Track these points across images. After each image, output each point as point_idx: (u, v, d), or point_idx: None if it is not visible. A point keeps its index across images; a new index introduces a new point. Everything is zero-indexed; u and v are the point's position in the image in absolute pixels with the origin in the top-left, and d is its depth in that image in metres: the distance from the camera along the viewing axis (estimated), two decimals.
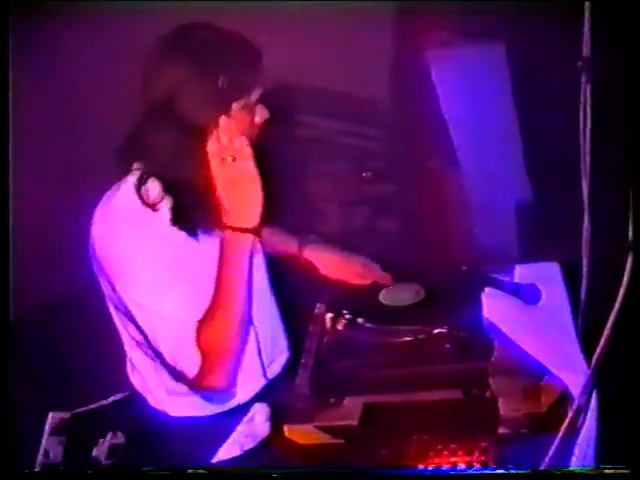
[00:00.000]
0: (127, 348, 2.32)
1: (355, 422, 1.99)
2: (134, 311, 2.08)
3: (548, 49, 2.84)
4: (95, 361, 3.00)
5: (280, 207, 2.54)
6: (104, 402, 2.46)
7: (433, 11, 3.27)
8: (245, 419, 2.19)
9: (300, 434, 2.03)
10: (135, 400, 2.40)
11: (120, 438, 2.28)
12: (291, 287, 2.57)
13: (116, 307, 2.20)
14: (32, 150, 2.92)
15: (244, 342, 2.15)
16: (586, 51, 1.93)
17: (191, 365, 2.04)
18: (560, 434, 1.61)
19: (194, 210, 2.07)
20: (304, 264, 2.58)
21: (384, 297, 2.42)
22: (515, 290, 2.26)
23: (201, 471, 1.78)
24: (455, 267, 2.54)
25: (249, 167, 1.97)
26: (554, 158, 2.91)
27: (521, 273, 2.38)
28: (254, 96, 2.08)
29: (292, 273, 2.61)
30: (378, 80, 3.79)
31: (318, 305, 2.46)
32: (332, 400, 2.06)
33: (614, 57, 1.94)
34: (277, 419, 2.13)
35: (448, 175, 3.49)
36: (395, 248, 2.85)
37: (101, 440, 2.26)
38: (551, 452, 1.60)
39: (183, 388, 2.21)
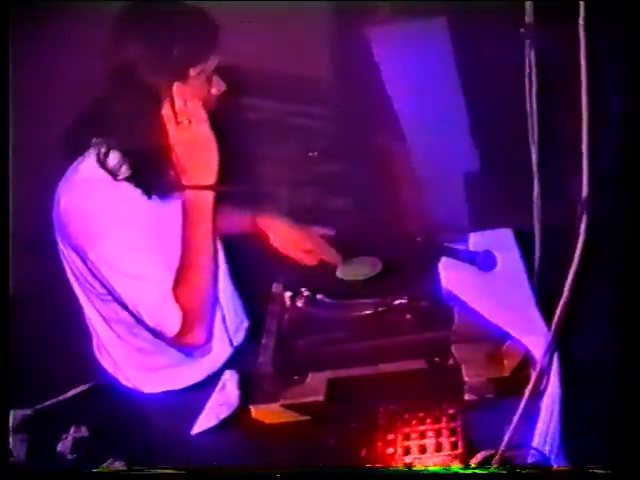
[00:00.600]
0: (95, 329, 2.34)
1: (321, 398, 2.00)
2: (109, 278, 2.09)
3: (489, 19, 2.86)
4: (54, 354, 2.98)
5: (230, 190, 2.55)
6: (65, 396, 2.44)
7: None
8: (217, 388, 2.22)
9: (267, 414, 2.04)
10: (98, 392, 2.39)
11: (84, 432, 2.27)
12: (245, 266, 2.57)
13: (84, 283, 2.22)
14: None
15: (217, 295, 2.19)
16: (529, 18, 1.95)
17: (172, 323, 2.05)
18: (525, 397, 1.62)
19: (154, 174, 2.11)
20: (257, 235, 2.60)
21: (342, 272, 2.42)
22: (471, 258, 2.27)
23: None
24: (410, 239, 2.55)
25: (204, 128, 2.03)
26: (501, 127, 2.94)
27: (475, 241, 2.40)
28: (210, 64, 2.10)
29: (246, 253, 2.62)
30: (321, 59, 3.78)
31: (275, 284, 2.46)
32: (296, 377, 2.07)
33: (555, 23, 1.97)
34: (246, 386, 2.16)
35: (395, 150, 3.51)
36: (347, 226, 2.85)
37: (64, 435, 2.25)
38: (517, 415, 1.62)
39: (156, 362, 2.28)
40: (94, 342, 2.40)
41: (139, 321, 2.12)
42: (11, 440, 2.27)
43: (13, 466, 2.20)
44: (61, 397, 2.45)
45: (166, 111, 2.02)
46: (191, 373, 2.33)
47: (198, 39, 2.07)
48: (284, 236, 2.59)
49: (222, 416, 2.13)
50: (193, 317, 2.07)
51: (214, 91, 2.14)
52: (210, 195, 2.06)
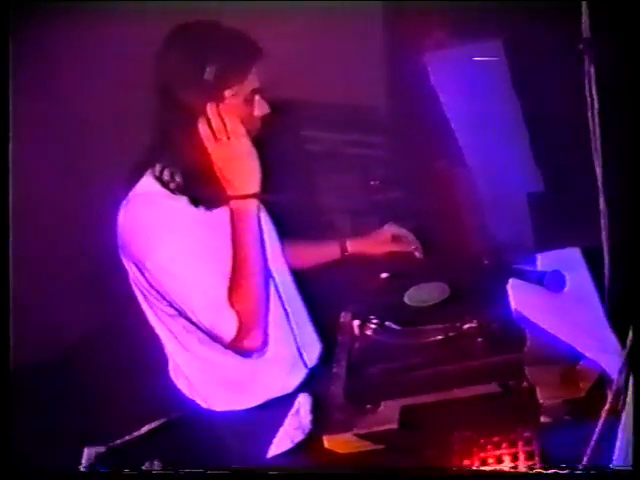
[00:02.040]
0: (168, 349, 2.41)
1: (394, 426, 1.98)
2: (166, 285, 2.19)
3: (546, 38, 2.84)
4: (124, 392, 3.01)
5: (293, 223, 2.58)
6: (139, 432, 2.45)
7: (425, 12, 3.28)
8: (292, 411, 2.25)
9: (340, 444, 2.02)
10: (171, 427, 2.41)
11: (157, 466, 2.28)
12: (316, 293, 2.60)
13: (148, 297, 2.31)
14: (32, 150, 2.93)
15: (269, 297, 2.26)
16: (586, 32, 1.93)
17: (229, 327, 2.15)
18: (602, 417, 1.59)
19: (203, 186, 2.22)
20: (349, 260, 2.74)
21: (409, 298, 2.41)
22: (539, 278, 2.24)
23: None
24: (476, 262, 2.53)
25: (243, 143, 2.16)
26: (563, 145, 2.91)
27: (543, 261, 2.38)
28: (248, 87, 2.20)
29: (315, 283, 2.65)
30: (377, 87, 3.80)
31: (343, 314, 2.46)
32: (369, 406, 2.05)
33: (614, 37, 1.95)
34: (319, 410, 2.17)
35: (456, 174, 3.49)
36: (412, 252, 2.84)
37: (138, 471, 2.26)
38: (595, 436, 1.59)
39: (229, 377, 2.36)
40: (170, 365, 2.44)
41: (197, 327, 2.20)
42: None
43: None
44: (135, 434, 2.46)
45: (203, 129, 2.14)
46: (264, 390, 2.38)
47: (232, 61, 2.17)
48: (376, 244, 2.73)
49: (297, 440, 2.16)
50: (248, 321, 2.16)
51: (257, 113, 2.23)
52: (254, 203, 2.18)
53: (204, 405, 2.41)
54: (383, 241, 2.74)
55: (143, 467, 2.26)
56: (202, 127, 2.14)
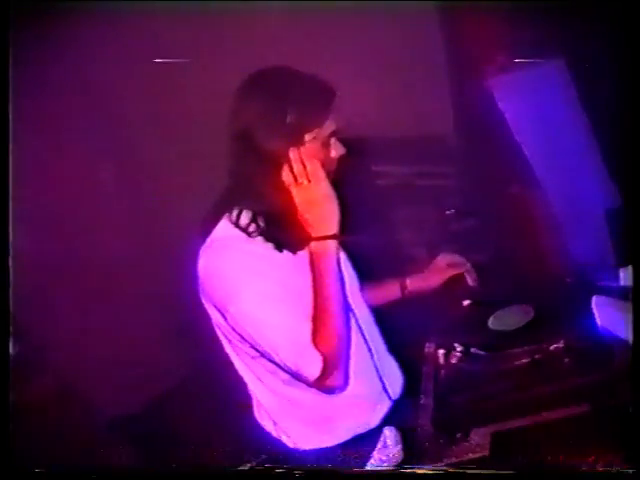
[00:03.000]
0: (252, 389, 2.39)
1: (486, 453, 1.96)
2: (250, 330, 2.18)
3: (607, 50, 2.82)
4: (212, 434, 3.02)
5: (372, 259, 2.59)
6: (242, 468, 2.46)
7: (486, 37, 3.29)
8: (379, 445, 2.23)
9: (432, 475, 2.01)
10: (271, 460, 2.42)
11: None
12: (396, 327, 2.59)
13: (232, 340, 2.30)
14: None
15: (350, 336, 2.24)
16: None
17: (314, 368, 2.12)
18: None
19: (283, 230, 2.21)
20: (409, 297, 2.68)
21: (493, 323, 2.39)
22: (624, 293, 2.21)
23: None
24: (559, 282, 2.50)
25: (324, 186, 2.16)
26: (635, 156, 2.87)
27: (626, 276, 2.34)
28: (326, 129, 2.20)
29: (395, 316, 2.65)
30: (444, 117, 3.80)
31: (427, 344, 2.45)
32: (459, 435, 2.04)
33: None
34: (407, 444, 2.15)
35: (531, 197, 3.46)
36: (493, 278, 2.81)
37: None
38: None
39: (312, 415, 2.33)
40: (254, 405, 2.45)
41: (281, 368, 2.18)
42: None
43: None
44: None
45: (287, 174, 2.15)
46: (350, 426, 2.35)
47: (312, 106, 2.18)
48: (434, 278, 2.67)
49: None
50: (332, 361, 2.13)
51: (333, 154, 2.23)
52: (334, 244, 2.17)
53: (290, 445, 2.40)
54: (438, 270, 2.69)
55: None
56: (285, 172, 2.16)
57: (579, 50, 3.06)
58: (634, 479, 1.71)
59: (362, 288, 2.52)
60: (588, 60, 3.06)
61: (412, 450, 2.17)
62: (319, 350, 2.12)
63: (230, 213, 2.24)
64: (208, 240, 2.25)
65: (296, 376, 2.18)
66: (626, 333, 2.03)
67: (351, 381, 2.24)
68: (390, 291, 2.70)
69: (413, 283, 2.69)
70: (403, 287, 2.69)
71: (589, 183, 3.24)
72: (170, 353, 3.85)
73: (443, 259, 2.71)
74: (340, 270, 2.20)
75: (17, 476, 1.95)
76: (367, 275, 2.61)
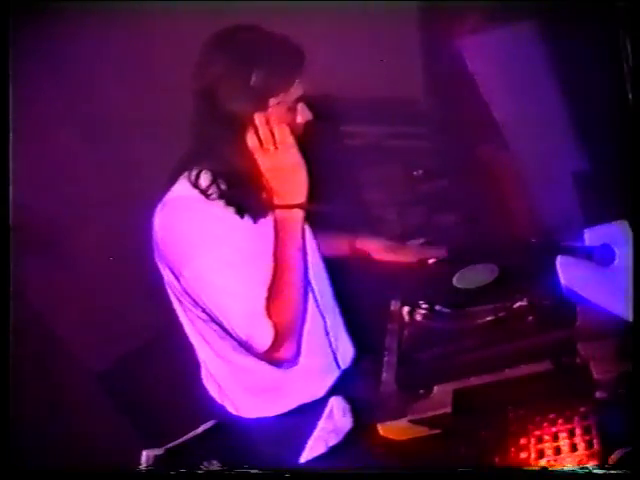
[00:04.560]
0: (200, 354, 2.39)
1: (448, 410, 1.97)
2: (203, 294, 2.14)
3: (579, 13, 2.81)
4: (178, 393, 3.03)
5: (337, 217, 2.57)
6: (194, 433, 2.46)
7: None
8: (324, 414, 2.23)
9: (395, 431, 2.02)
10: (224, 425, 2.41)
11: (215, 465, 2.29)
12: (352, 289, 2.59)
13: (183, 303, 2.27)
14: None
15: (306, 309, 2.22)
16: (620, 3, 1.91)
17: (264, 338, 2.09)
18: None
19: (246, 194, 2.19)
20: (357, 255, 2.69)
21: (458, 281, 2.39)
22: (588, 254, 2.22)
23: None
24: (524, 242, 2.51)
25: (292, 154, 2.11)
26: (604, 120, 2.87)
27: (591, 237, 2.35)
28: (292, 94, 2.15)
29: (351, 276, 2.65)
30: (415, 78, 3.78)
31: (393, 302, 2.45)
32: (421, 392, 2.05)
33: None
34: (356, 413, 2.15)
35: (500, 159, 3.46)
36: (460, 237, 2.82)
37: (198, 471, 2.28)
38: None
39: (260, 384, 2.31)
40: (202, 371, 2.43)
41: (230, 336, 2.15)
42: None
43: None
44: (190, 435, 2.47)
45: (251, 139, 2.09)
46: (296, 397, 2.34)
47: (279, 69, 2.12)
48: (384, 249, 2.68)
49: (331, 443, 2.14)
50: (284, 332, 2.11)
51: (299, 119, 2.19)
52: (300, 214, 2.13)
53: (233, 412, 2.39)
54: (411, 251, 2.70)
55: (202, 466, 2.27)
56: (250, 136, 2.10)
57: (551, 12, 3.05)
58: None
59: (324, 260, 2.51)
60: (560, 22, 3.05)
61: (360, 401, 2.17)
62: (272, 320, 2.09)
63: (189, 173, 2.20)
64: (165, 199, 2.21)
65: (246, 346, 2.15)
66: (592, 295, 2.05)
67: (302, 355, 2.22)
68: (339, 246, 2.71)
69: (363, 244, 2.70)
70: (351, 245, 2.71)
71: (557, 145, 3.24)
72: (136, 312, 3.84)
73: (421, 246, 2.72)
74: (304, 240, 2.16)
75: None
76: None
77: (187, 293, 2.19)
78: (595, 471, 1.66)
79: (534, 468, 1.72)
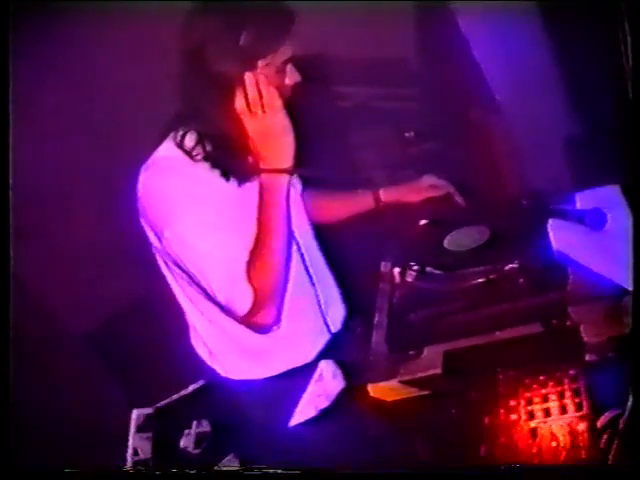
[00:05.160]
0: (189, 317, 2.40)
1: (439, 371, 1.98)
2: (183, 256, 2.14)
3: None
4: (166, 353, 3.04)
5: (329, 177, 2.57)
6: (184, 392, 2.47)
7: None
8: (314, 378, 2.24)
9: (385, 391, 2.03)
10: (212, 388, 2.42)
11: (206, 426, 2.30)
12: (345, 254, 2.59)
13: (170, 266, 2.27)
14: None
15: (288, 275, 2.21)
16: None
17: (244, 302, 2.09)
18: None
19: (232, 157, 2.18)
20: (383, 209, 2.69)
21: (449, 243, 2.39)
22: (580, 217, 2.23)
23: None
24: (515, 204, 2.51)
25: (279, 117, 2.07)
26: (597, 85, 2.87)
27: (583, 200, 2.36)
28: (281, 55, 2.12)
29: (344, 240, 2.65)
30: (405, 39, 3.76)
31: (383, 263, 2.46)
32: (412, 353, 2.06)
33: None
34: (346, 376, 2.16)
35: (491, 122, 3.46)
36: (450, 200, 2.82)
37: (187, 431, 2.29)
38: None
39: (249, 346, 2.32)
40: (191, 332, 2.43)
41: (210, 298, 2.16)
42: (136, 439, 2.32)
43: (138, 463, 2.25)
44: (180, 394, 2.48)
45: (239, 101, 2.06)
46: (285, 360, 2.36)
47: (266, 31, 2.09)
48: (412, 192, 2.69)
49: (321, 407, 2.15)
50: (264, 297, 2.11)
51: (288, 81, 2.16)
52: (285, 178, 2.10)
53: (222, 374, 2.40)
54: (419, 189, 2.68)
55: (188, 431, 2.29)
56: (238, 98, 2.06)
57: None
58: None
59: (331, 198, 2.54)
60: None
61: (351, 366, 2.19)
62: (252, 285, 2.08)
63: (175, 134, 2.19)
64: (149, 159, 2.21)
65: (226, 309, 2.15)
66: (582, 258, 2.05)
67: (286, 318, 2.22)
68: (363, 202, 2.70)
69: (387, 195, 2.68)
70: (377, 199, 2.68)
71: (550, 109, 3.24)
72: (125, 273, 3.84)
73: (427, 179, 2.69)
74: (288, 205, 2.14)
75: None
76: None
77: (169, 255, 2.19)
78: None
79: (533, 466, 1.72)
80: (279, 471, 1.73)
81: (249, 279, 2.08)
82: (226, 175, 2.17)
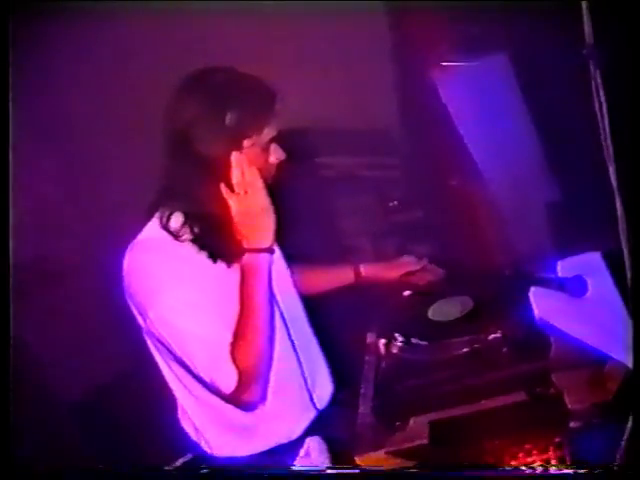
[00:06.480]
0: (175, 393, 2.36)
1: (425, 441, 1.98)
2: (167, 336, 2.14)
3: (550, 46, 2.85)
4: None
5: (313, 248, 2.59)
6: (169, 468, 2.45)
7: (430, 28, 3.31)
8: (301, 454, 2.23)
9: (372, 462, 2.02)
10: (198, 460, 2.41)
11: None
12: (330, 327, 2.60)
13: (155, 343, 2.26)
14: (32, 151, 2.95)
15: (272, 354, 2.20)
16: (589, 38, 1.95)
17: (228, 382, 2.09)
18: (631, 418, 1.59)
19: (215, 238, 2.18)
20: (364, 283, 2.72)
21: (433, 314, 2.41)
22: (561, 285, 2.25)
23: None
24: (498, 274, 2.53)
25: (261, 198, 2.11)
26: (576, 151, 2.91)
27: (564, 268, 2.38)
28: (266, 135, 2.15)
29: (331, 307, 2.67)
30: (386, 109, 3.82)
31: (369, 334, 2.47)
32: (398, 423, 2.06)
33: (617, 40, 1.95)
34: (332, 452, 2.15)
35: (473, 190, 3.49)
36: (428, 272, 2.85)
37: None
38: (625, 437, 1.59)
39: (235, 423, 2.29)
40: (178, 409, 2.42)
41: (195, 376, 2.16)
42: None
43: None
44: (166, 469, 2.45)
45: (224, 182, 2.10)
46: (270, 437, 2.33)
47: (251, 112, 2.12)
48: (393, 269, 2.71)
49: None
50: (249, 377, 2.10)
51: (272, 160, 2.19)
52: (266, 257, 2.14)
53: (208, 450, 2.37)
54: (398, 266, 2.72)
55: None
56: (223, 180, 2.10)
57: (523, 44, 3.09)
58: None
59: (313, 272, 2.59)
60: (532, 54, 3.09)
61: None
62: (236, 365, 2.08)
63: (161, 214, 2.20)
64: (134, 240, 2.22)
65: (211, 387, 2.15)
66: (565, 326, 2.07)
67: (271, 395, 2.21)
68: (343, 276, 2.73)
69: (367, 270, 2.71)
70: (357, 273, 2.71)
71: (530, 176, 3.28)
72: (113, 346, 3.84)
73: (406, 258, 2.73)
74: (270, 284, 2.16)
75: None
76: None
77: (154, 335, 2.19)
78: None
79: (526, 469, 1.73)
80: None
81: (233, 360, 2.08)
82: (213, 257, 2.18)
